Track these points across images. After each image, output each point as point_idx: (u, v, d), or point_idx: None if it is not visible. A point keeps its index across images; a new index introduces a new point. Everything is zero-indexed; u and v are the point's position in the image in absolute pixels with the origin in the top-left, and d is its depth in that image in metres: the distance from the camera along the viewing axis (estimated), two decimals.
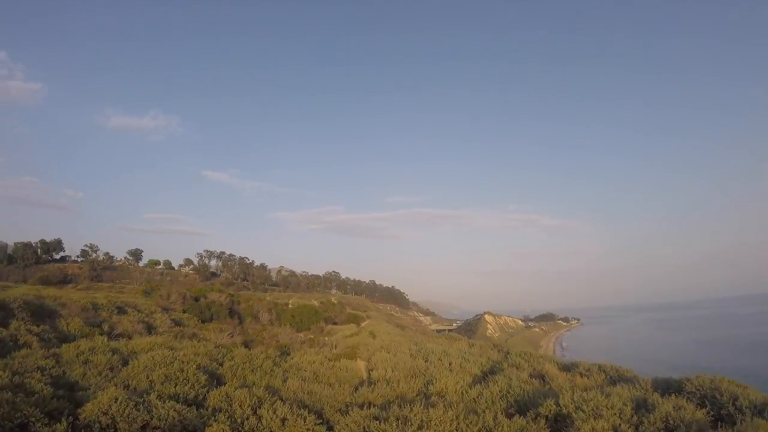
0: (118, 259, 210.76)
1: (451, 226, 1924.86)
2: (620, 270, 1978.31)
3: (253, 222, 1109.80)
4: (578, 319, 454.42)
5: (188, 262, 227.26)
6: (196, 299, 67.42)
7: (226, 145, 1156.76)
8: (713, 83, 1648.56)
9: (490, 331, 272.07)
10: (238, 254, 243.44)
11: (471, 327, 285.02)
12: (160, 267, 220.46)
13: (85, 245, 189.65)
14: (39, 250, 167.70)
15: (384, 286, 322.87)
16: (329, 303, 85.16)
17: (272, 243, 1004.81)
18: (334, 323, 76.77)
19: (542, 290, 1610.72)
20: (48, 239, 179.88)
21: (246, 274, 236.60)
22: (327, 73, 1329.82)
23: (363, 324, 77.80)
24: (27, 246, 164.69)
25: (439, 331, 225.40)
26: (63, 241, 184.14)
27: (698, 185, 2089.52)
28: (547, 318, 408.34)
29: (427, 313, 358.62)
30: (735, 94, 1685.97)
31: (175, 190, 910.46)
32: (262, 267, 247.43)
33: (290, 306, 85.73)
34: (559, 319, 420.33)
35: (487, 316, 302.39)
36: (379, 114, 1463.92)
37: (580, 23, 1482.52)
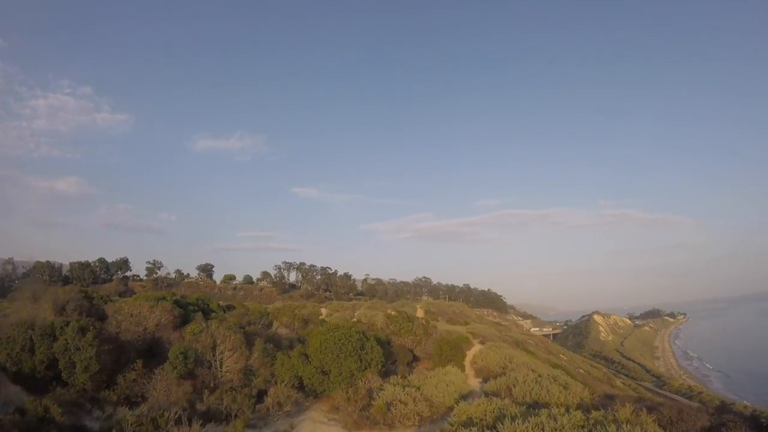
0: (191, 276, 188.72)
1: (541, 226, 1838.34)
2: (721, 260, 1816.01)
3: (344, 234, 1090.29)
4: (684, 314, 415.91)
5: (265, 275, 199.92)
6: None
7: (315, 161, 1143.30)
8: None
9: (603, 335, 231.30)
10: (323, 266, 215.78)
11: (581, 330, 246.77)
12: (235, 282, 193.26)
13: (148, 262, 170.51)
14: (97, 270, 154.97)
15: (479, 289, 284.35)
16: (404, 317, 47.05)
17: (362, 254, 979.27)
18: (413, 359, 40.36)
19: (643, 286, 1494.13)
20: (110, 258, 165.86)
21: (329, 285, 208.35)
22: (408, 79, 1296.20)
23: (471, 354, 42.09)
24: (84, 266, 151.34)
25: (545, 335, 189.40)
26: (129, 260, 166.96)
27: None
28: (653, 314, 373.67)
29: (525, 316, 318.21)
30: None
31: (266, 209, 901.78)
32: (346, 276, 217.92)
33: (325, 321, 51.57)
34: (666, 315, 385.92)
35: (596, 317, 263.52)
36: (461, 119, 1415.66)
37: (685, 17, 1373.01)
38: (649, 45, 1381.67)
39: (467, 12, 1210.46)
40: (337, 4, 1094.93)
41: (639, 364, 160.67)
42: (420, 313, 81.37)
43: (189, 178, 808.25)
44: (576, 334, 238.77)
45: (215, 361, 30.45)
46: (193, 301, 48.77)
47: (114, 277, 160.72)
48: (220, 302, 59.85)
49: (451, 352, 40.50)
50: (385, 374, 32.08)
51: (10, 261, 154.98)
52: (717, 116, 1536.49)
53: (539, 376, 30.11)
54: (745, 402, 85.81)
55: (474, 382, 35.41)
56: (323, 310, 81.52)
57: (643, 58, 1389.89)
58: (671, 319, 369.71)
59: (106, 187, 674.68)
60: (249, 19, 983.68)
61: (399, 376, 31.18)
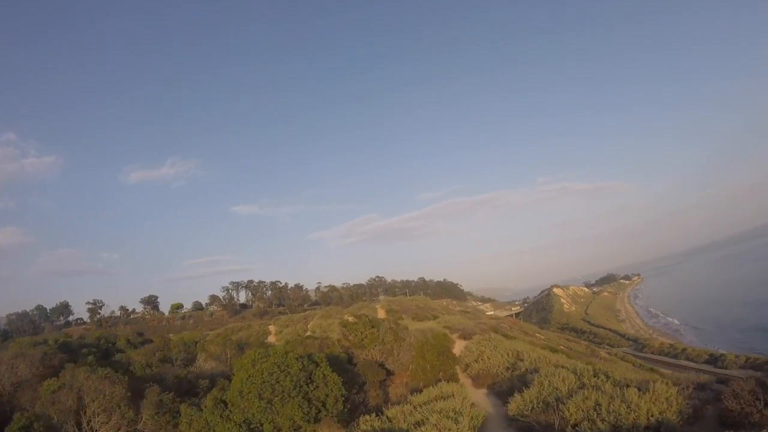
0: (137, 311, 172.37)
1: (486, 210, 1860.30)
2: (667, 218, 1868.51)
3: (292, 247, 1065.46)
4: (638, 275, 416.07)
5: (214, 299, 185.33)
6: None
7: (252, 177, 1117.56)
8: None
9: (566, 306, 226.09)
10: (273, 280, 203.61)
11: (543, 305, 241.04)
12: (184, 311, 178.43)
13: (88, 302, 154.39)
14: (36, 318, 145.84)
15: (435, 281, 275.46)
16: (365, 322, 34.78)
17: (313, 264, 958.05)
18: (387, 375, 29.25)
19: (594, 254, 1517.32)
20: (51, 305, 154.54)
21: (281, 299, 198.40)
22: (337, 83, 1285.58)
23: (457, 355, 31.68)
24: (22, 316, 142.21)
25: (508, 316, 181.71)
26: (70, 304, 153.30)
27: (728, 122, 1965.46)
28: (608, 280, 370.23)
29: (484, 300, 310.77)
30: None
31: (210, 232, 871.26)
32: (298, 288, 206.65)
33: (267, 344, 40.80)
34: (621, 279, 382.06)
35: (555, 290, 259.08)
36: (396, 113, 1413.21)
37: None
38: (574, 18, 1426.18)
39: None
40: (255, 23, 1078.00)
41: (609, 329, 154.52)
42: (382, 314, 70.71)
43: (127, 213, 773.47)
44: (539, 309, 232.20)
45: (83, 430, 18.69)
46: (92, 341, 36.16)
47: (55, 323, 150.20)
48: (129, 338, 47.19)
49: (437, 358, 29.58)
50: (350, 412, 20.74)
51: None
52: (641, 75, 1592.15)
53: (579, 374, 19.51)
54: (731, 352, 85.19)
55: (478, 397, 24.50)
56: (271, 328, 69.89)
57: (571, 32, 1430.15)
58: (627, 282, 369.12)
59: (43, 233, 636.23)
60: (166, 46, 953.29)
61: (373, 414, 19.78)
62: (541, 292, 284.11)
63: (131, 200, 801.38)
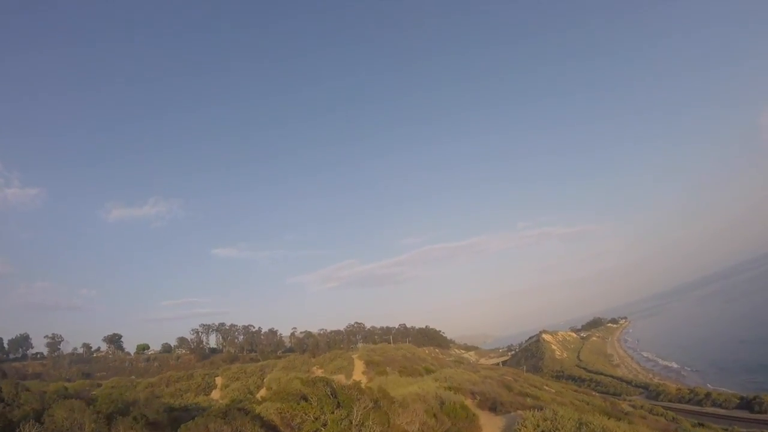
0: (101, 349, 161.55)
1: (466, 256, 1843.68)
2: (651, 257, 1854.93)
3: (271, 291, 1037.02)
4: (625, 318, 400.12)
5: (183, 341, 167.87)
6: None
7: (232, 219, 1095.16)
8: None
9: (558, 353, 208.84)
10: (245, 324, 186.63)
11: (533, 352, 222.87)
12: (150, 352, 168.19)
13: (47, 336, 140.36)
14: None
15: (416, 328, 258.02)
16: (322, 395, 18.82)
17: (291, 309, 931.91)
18: None
19: (577, 298, 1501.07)
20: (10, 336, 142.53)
21: (253, 344, 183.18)
22: (320, 124, 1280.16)
23: None
24: None
25: (495, 365, 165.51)
26: (30, 336, 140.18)
27: (701, 158, 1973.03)
28: (595, 324, 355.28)
29: (468, 348, 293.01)
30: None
31: (188, 274, 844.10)
32: (272, 333, 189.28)
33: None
34: (608, 322, 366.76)
35: (545, 336, 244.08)
36: (377, 156, 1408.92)
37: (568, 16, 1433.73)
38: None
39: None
40: (237, 60, 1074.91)
41: (611, 376, 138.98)
42: (360, 367, 55.18)
43: (106, 250, 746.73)
44: (528, 356, 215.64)
45: None
46: None
47: (10, 356, 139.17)
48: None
49: None
50: None
51: None
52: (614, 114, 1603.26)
53: None
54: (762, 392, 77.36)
55: None
56: (218, 380, 53.61)
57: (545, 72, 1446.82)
58: (614, 325, 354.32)
59: (21, 265, 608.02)
60: (155, 83, 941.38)
61: None
62: (529, 338, 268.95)
63: (111, 237, 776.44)
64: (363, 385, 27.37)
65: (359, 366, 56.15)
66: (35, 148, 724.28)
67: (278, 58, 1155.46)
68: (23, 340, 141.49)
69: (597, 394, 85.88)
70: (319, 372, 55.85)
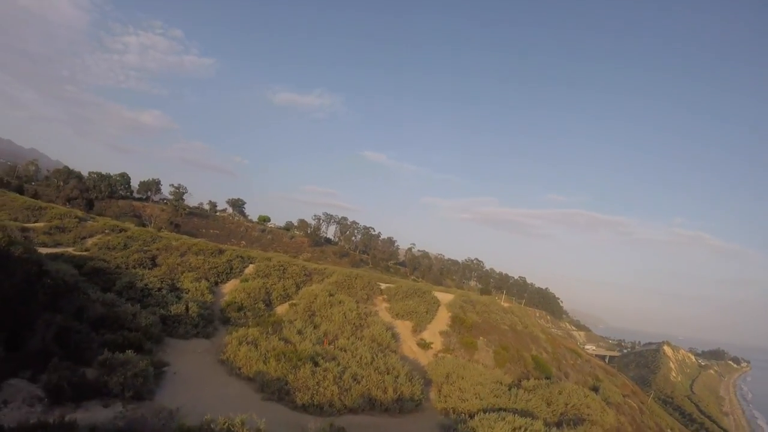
0: (227, 210, 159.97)
1: (609, 233, 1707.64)
2: None
3: (405, 204, 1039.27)
4: (748, 362, 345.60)
5: (304, 224, 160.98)
6: None
7: (387, 128, 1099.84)
8: None
9: (673, 374, 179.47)
10: (367, 225, 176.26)
11: (647, 361, 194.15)
12: (270, 224, 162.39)
13: (171, 185, 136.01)
14: (115, 184, 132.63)
15: (535, 286, 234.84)
16: None
17: (418, 226, 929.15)
18: None
19: (705, 318, 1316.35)
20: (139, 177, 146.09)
21: (367, 247, 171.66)
22: (489, 61, 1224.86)
23: None
24: (103, 177, 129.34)
25: (600, 356, 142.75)
26: (160, 182, 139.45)
27: None
28: (717, 355, 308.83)
29: (579, 326, 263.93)
30: None
31: (334, 166, 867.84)
32: (389, 241, 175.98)
33: None
34: (730, 359, 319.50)
35: (666, 349, 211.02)
36: (543, 109, 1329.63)
37: None
38: None
39: None
40: None
41: (719, 426, 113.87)
42: (439, 324, 39.73)
43: (265, 127, 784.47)
44: (640, 364, 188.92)
45: None
46: None
47: (135, 195, 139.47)
48: None
49: None
50: None
51: (33, 162, 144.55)
52: None
53: None
54: None
55: None
56: (250, 268, 41.71)
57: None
58: (735, 365, 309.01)
59: (185, 124, 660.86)
60: None
61: None
62: (648, 344, 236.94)
63: (272, 117, 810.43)
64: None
65: (442, 318, 41.16)
66: (217, 22, 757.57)
67: None
68: (153, 184, 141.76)
69: None
70: (383, 307, 41.82)
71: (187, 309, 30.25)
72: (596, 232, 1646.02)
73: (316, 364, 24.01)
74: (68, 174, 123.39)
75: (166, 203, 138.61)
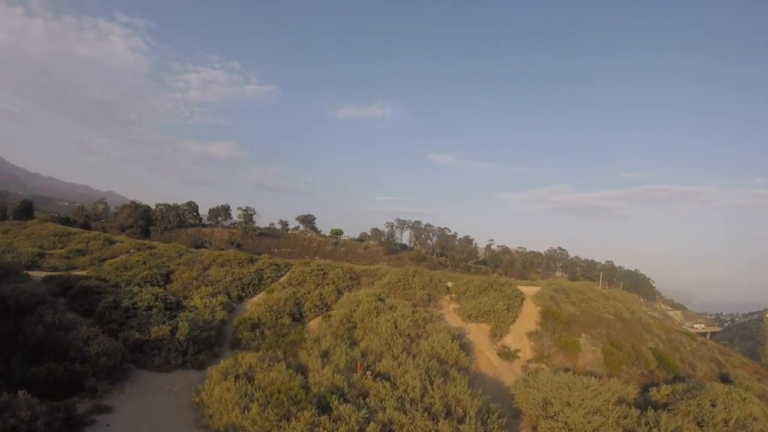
0: (299, 228, 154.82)
1: (690, 204, 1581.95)
2: None
3: (479, 203, 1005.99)
4: None
5: (377, 233, 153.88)
6: None
7: (451, 128, 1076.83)
8: None
9: None
10: (441, 227, 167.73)
11: (752, 333, 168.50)
12: (343, 237, 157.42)
13: (240, 207, 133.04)
14: (183, 213, 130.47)
15: (624, 269, 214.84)
16: None
17: (495, 223, 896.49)
18: None
19: None
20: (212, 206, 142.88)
21: (445, 249, 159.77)
22: (547, 33, 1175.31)
23: None
24: (170, 208, 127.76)
25: (701, 334, 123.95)
26: (230, 207, 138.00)
27: None
28: None
29: (675, 306, 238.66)
30: None
31: (404, 174, 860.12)
32: (466, 240, 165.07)
33: None
34: None
35: None
36: (611, 79, 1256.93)
37: None
38: None
39: None
40: None
41: None
42: (526, 322, 29.39)
43: (332, 144, 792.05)
44: (745, 337, 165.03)
45: None
46: None
47: (204, 222, 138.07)
48: None
49: None
50: None
51: (102, 201, 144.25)
52: None
53: None
54: None
55: None
56: (285, 276, 33.24)
57: None
58: None
59: (255, 151, 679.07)
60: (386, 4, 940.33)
61: None
62: (749, 314, 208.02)
63: (338, 134, 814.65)
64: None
65: (529, 314, 30.73)
66: (272, 50, 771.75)
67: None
68: (222, 210, 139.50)
69: None
70: (450, 309, 31.88)
71: (173, 331, 21.94)
72: (677, 204, 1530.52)
73: (325, 407, 14.66)
74: (135, 208, 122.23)
75: (235, 227, 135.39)
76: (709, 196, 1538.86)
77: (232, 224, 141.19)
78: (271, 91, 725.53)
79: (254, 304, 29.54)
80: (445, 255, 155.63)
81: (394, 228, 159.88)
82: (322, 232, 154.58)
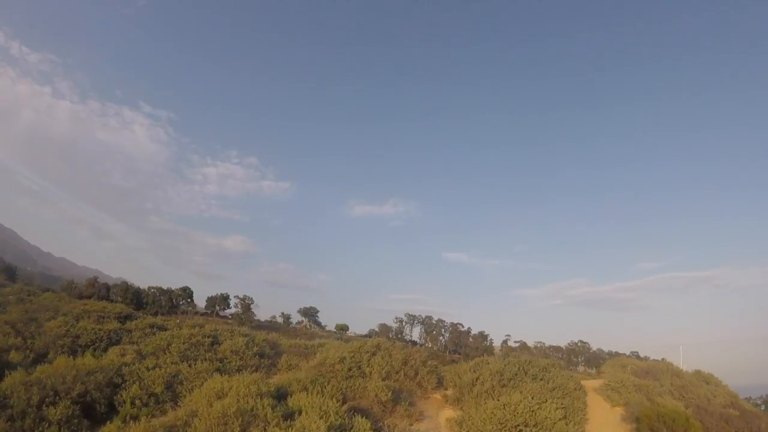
0: (302, 321, 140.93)
1: (705, 289, 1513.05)
2: None
3: (494, 300, 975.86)
4: None
5: (385, 329, 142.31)
6: None
7: (465, 226, 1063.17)
8: None
9: None
10: (454, 322, 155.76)
11: None
12: (349, 333, 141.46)
13: (237, 296, 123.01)
14: (176, 298, 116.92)
15: (651, 359, 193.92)
16: None
17: (511, 319, 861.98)
18: None
19: None
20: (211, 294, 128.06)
21: (458, 345, 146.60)
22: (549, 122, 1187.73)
23: None
24: (163, 292, 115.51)
25: None
26: (229, 296, 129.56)
27: None
28: None
29: None
30: None
31: (417, 272, 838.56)
32: (481, 336, 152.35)
33: None
34: None
35: None
36: (616, 165, 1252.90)
37: None
38: None
39: None
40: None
41: None
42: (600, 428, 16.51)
43: (345, 242, 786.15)
44: None
45: None
46: None
47: (193, 309, 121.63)
48: None
49: None
50: None
51: (93, 280, 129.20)
52: None
53: None
54: None
55: None
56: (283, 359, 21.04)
57: None
58: None
59: (268, 246, 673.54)
60: (396, 93, 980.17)
61: None
62: None
63: (351, 231, 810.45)
64: None
65: (604, 421, 17.89)
66: (289, 148, 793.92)
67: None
68: (220, 300, 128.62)
69: None
70: (442, 417, 19.01)
71: None
72: (695, 290, 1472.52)
73: None
74: (126, 289, 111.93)
75: (233, 318, 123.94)
76: (725, 279, 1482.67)
77: (230, 315, 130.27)
78: (287, 187, 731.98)
79: None
80: (458, 352, 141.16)
81: (404, 323, 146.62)
82: (327, 327, 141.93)
